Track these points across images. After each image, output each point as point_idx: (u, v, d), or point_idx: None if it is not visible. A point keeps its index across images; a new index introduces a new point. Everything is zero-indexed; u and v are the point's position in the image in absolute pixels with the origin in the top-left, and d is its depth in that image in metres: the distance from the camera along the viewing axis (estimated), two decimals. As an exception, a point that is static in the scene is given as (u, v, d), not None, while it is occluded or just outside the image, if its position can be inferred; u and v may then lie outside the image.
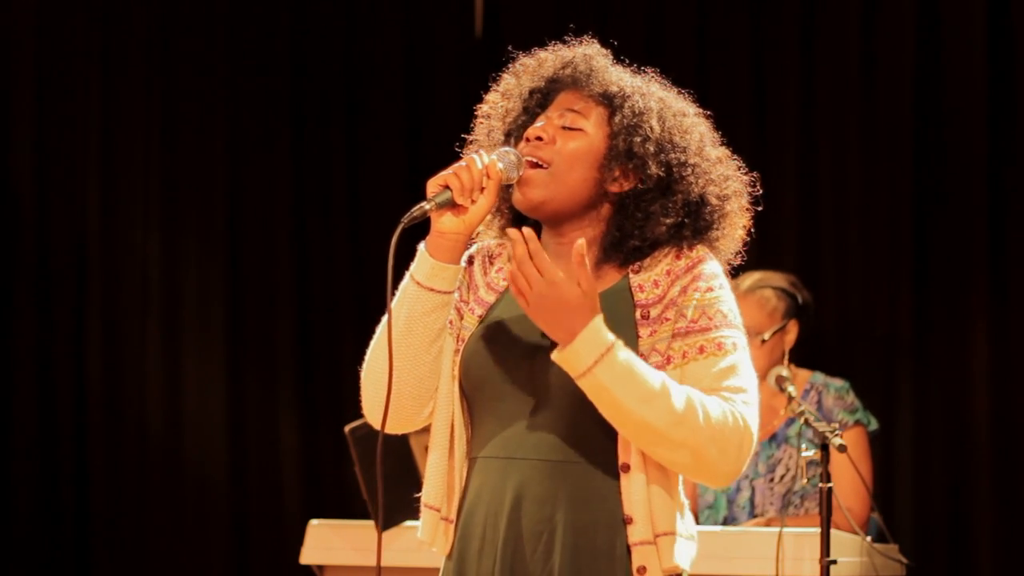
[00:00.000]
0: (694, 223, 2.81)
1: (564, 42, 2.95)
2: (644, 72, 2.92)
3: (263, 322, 6.41)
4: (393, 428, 2.85)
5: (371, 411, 2.85)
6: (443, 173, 2.76)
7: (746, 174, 2.89)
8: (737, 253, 2.88)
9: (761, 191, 2.93)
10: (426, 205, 2.74)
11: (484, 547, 2.77)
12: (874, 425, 4.85)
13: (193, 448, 6.39)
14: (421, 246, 2.80)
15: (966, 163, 5.49)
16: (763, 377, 4.82)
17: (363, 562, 4.55)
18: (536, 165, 2.81)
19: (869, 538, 4.36)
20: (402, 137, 6.26)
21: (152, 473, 6.39)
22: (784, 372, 4.55)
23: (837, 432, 3.94)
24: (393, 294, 2.77)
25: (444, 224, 2.77)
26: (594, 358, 2.66)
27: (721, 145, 2.90)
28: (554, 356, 2.70)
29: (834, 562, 3.86)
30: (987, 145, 5.46)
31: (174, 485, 6.38)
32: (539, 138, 2.82)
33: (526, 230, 2.72)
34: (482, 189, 2.76)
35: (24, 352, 6.46)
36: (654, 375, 2.68)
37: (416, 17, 6.34)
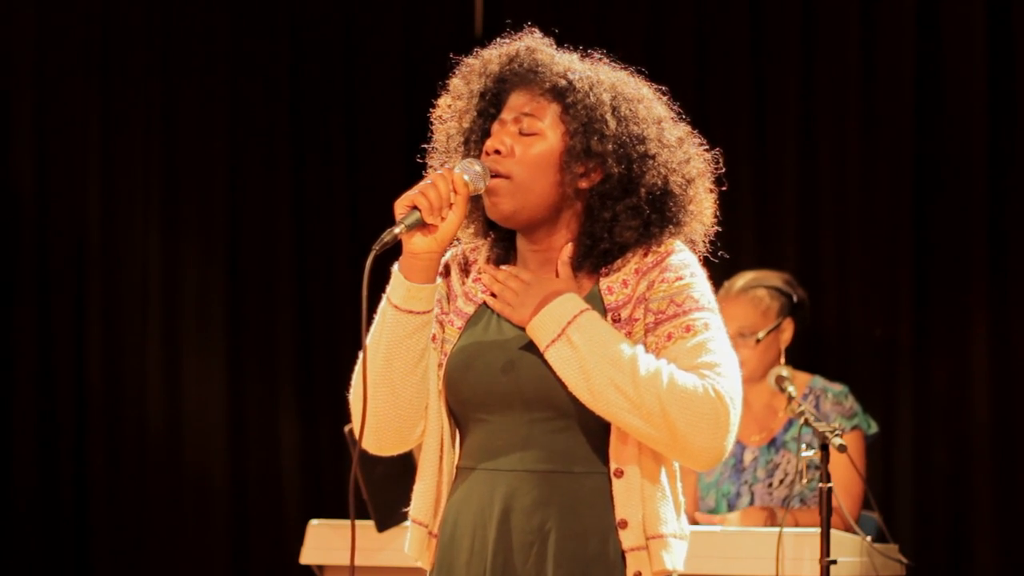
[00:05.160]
0: (660, 216, 2.78)
1: (505, 36, 2.89)
2: (590, 55, 2.87)
3: (263, 322, 6.41)
4: (390, 450, 2.83)
5: (365, 437, 2.81)
6: (409, 194, 2.71)
7: (708, 151, 2.86)
8: (708, 233, 2.84)
9: (725, 169, 2.90)
10: (396, 229, 2.69)
11: (472, 559, 2.75)
12: (873, 428, 4.84)
13: (193, 448, 6.39)
14: (395, 268, 2.76)
15: (966, 163, 5.49)
16: (760, 377, 4.83)
17: (363, 562, 4.54)
18: (500, 176, 2.77)
19: (869, 538, 4.35)
20: (402, 136, 6.26)
21: (152, 473, 6.39)
22: (784, 372, 4.55)
23: (837, 432, 3.94)
24: (368, 321, 2.73)
25: (416, 245, 2.72)
26: (567, 319, 2.68)
27: (680, 121, 2.86)
28: (530, 326, 2.71)
29: (834, 562, 3.85)
30: (987, 145, 5.46)
31: (174, 485, 6.38)
32: (498, 151, 2.77)
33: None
34: (450, 205, 2.72)
35: (24, 352, 6.46)
36: (624, 341, 2.68)
37: (416, 16, 6.34)
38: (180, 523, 6.37)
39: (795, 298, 4.94)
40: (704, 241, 2.85)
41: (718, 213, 2.87)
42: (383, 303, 2.76)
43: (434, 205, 2.70)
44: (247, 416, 6.41)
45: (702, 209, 2.83)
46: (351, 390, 2.80)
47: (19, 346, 6.47)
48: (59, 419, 6.46)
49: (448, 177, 2.73)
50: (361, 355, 2.75)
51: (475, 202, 2.82)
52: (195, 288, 6.45)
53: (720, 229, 2.88)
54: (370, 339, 2.76)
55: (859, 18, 5.66)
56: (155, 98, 6.49)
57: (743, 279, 4.92)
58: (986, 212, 5.46)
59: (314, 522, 4.72)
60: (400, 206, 2.71)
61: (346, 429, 4.53)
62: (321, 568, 4.69)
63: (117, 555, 6.42)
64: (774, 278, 4.96)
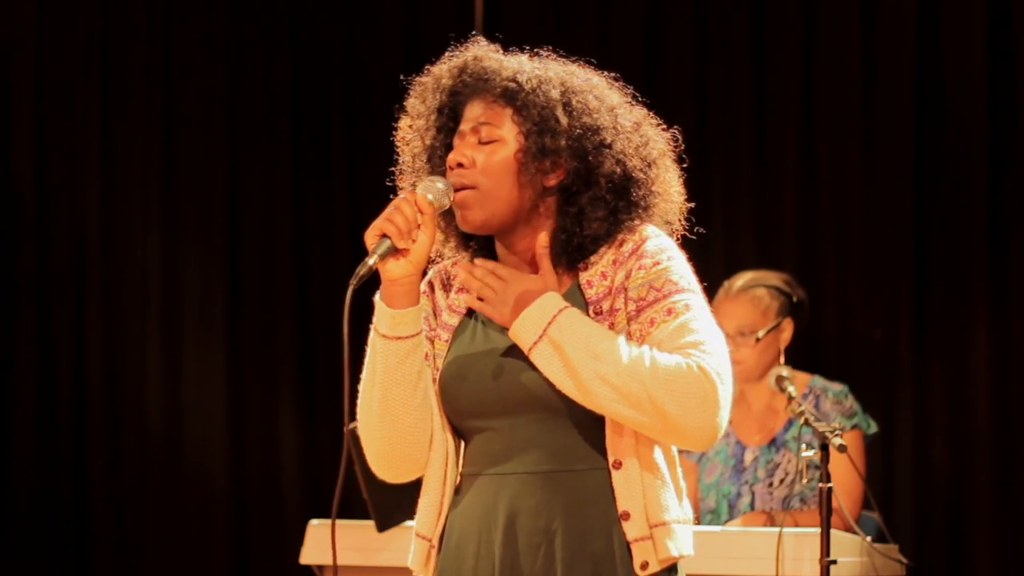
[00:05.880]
0: (626, 203, 2.79)
1: (452, 47, 2.89)
2: (538, 53, 2.88)
3: (263, 322, 6.41)
4: (405, 477, 2.87)
5: (376, 464, 2.86)
6: (376, 223, 2.74)
7: (666, 130, 2.86)
8: (681, 210, 2.85)
9: (684, 146, 2.90)
10: (370, 260, 2.71)
11: (479, 564, 2.76)
12: (873, 428, 4.84)
13: (193, 448, 6.39)
14: (376, 297, 2.78)
15: (966, 163, 5.49)
16: (760, 377, 4.83)
17: (363, 562, 4.55)
18: (466, 188, 2.79)
19: (869, 538, 4.35)
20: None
21: (152, 473, 6.39)
22: (784, 372, 4.55)
23: (837, 432, 3.94)
24: (351, 357, 2.73)
25: (392, 271, 2.74)
26: (547, 319, 2.69)
27: (636, 105, 2.86)
28: (511, 330, 2.72)
29: (834, 562, 3.86)
30: (987, 145, 5.46)
31: (174, 485, 6.38)
32: (460, 164, 2.79)
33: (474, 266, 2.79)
34: (418, 226, 2.74)
35: (24, 352, 6.46)
36: (606, 333, 2.69)
37: (416, 16, 6.34)
38: (180, 523, 6.37)
39: (795, 298, 4.94)
40: (679, 219, 2.85)
41: (685, 191, 2.87)
42: (371, 335, 2.78)
43: (402, 229, 2.72)
44: (247, 416, 6.41)
45: (667, 188, 2.84)
46: (358, 422, 2.82)
47: (19, 346, 6.47)
48: (59, 419, 6.46)
49: (411, 199, 2.75)
50: (361, 389, 2.79)
51: (451, 217, 2.84)
52: (195, 288, 6.45)
53: (692, 204, 2.87)
54: (365, 372, 2.79)
55: (859, 18, 5.66)
56: (155, 98, 6.49)
57: (743, 278, 4.94)
58: (986, 212, 5.46)
59: (314, 522, 4.72)
60: (370, 236, 2.74)
61: (346, 429, 4.53)
62: (321, 568, 4.69)
63: (117, 555, 6.42)
64: (774, 278, 4.97)
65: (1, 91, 6.53)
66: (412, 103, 2.92)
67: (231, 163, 6.45)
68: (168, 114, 6.48)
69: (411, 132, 2.92)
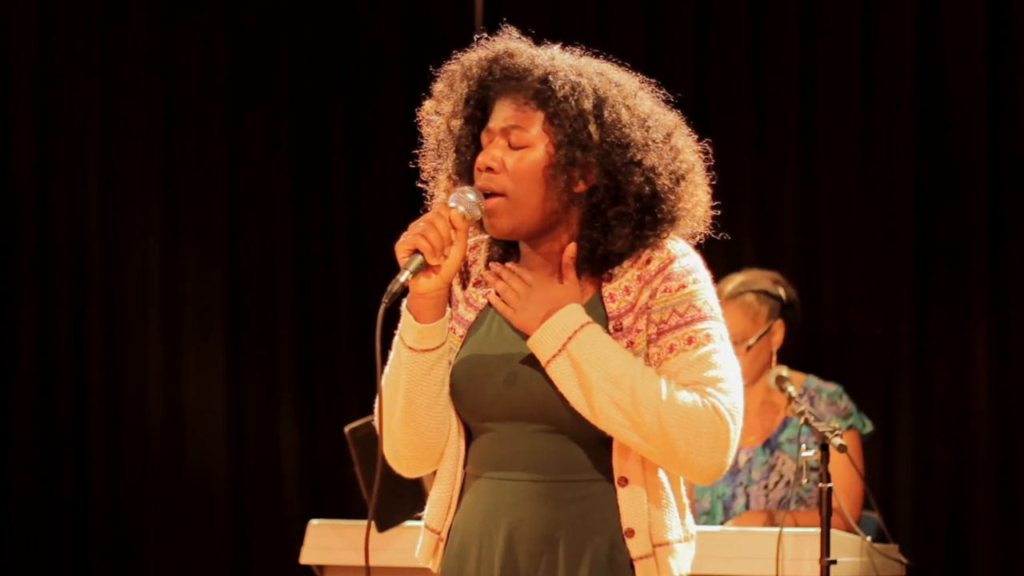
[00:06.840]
0: (652, 219, 2.75)
1: (485, 37, 2.85)
2: (571, 50, 2.84)
3: (263, 322, 6.41)
4: (425, 471, 2.86)
5: (394, 461, 2.85)
6: (409, 237, 2.70)
7: (698, 141, 2.83)
8: (705, 223, 2.82)
9: (724, 167, 2.88)
10: (402, 277, 2.69)
11: (480, 568, 2.76)
12: (868, 427, 4.84)
13: (193, 448, 6.39)
14: (404, 306, 2.77)
15: (966, 163, 5.49)
16: (752, 382, 4.80)
17: (363, 562, 4.54)
18: (494, 194, 2.76)
19: (869, 538, 4.35)
20: (402, 135, 6.24)
21: (152, 473, 6.39)
22: (784, 372, 4.54)
23: (837, 432, 3.94)
24: (382, 370, 2.73)
25: (422, 286, 2.72)
26: (568, 334, 2.68)
27: (669, 109, 2.83)
28: (531, 340, 2.71)
29: (834, 562, 3.86)
30: (987, 145, 5.46)
31: (174, 485, 6.38)
32: (490, 168, 2.76)
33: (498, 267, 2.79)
34: (451, 242, 2.71)
35: (24, 352, 6.46)
36: (625, 357, 2.67)
37: (416, 14, 6.34)
38: (180, 523, 6.37)
39: (784, 299, 4.91)
40: (705, 224, 2.82)
41: (717, 201, 2.85)
42: (396, 341, 2.77)
43: (435, 247, 2.69)
44: (247, 416, 6.40)
45: (696, 202, 2.80)
46: (377, 420, 2.80)
47: (19, 346, 6.47)
48: (59, 419, 6.46)
49: (445, 215, 2.71)
50: (383, 389, 2.77)
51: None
52: (195, 288, 6.45)
53: (719, 213, 2.85)
54: (388, 377, 2.78)
55: (859, 18, 5.65)
56: (155, 98, 6.48)
57: (731, 284, 4.89)
58: (986, 211, 5.45)
59: (314, 522, 4.72)
60: (400, 250, 2.71)
61: (346, 429, 4.53)
62: (321, 568, 4.69)
63: (117, 555, 6.42)
64: (763, 280, 4.93)
65: (1, 91, 6.52)
66: (439, 88, 2.86)
67: (231, 163, 6.45)
68: (168, 113, 6.48)
69: (436, 116, 2.86)
